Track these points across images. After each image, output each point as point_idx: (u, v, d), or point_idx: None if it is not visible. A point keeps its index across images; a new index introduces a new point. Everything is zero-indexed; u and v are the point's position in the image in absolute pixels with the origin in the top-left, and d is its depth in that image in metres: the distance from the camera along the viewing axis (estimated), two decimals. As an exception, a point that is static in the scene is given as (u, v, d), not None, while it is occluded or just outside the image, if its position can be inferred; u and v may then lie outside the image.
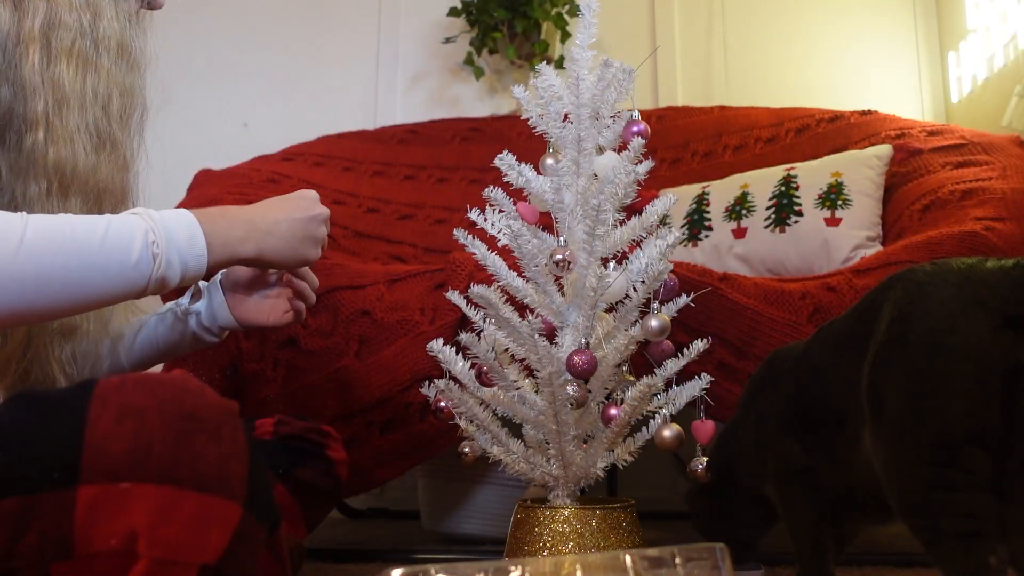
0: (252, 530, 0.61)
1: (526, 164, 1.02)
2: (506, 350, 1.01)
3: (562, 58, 2.29)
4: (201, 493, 0.57)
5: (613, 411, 0.97)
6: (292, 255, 0.93)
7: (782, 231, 1.64)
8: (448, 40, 2.35)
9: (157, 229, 0.79)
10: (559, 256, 0.92)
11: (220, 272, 1.07)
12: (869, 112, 1.92)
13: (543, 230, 1.01)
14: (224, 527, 0.58)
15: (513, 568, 0.58)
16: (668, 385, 0.99)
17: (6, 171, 0.81)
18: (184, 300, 1.08)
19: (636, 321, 0.98)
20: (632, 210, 1.01)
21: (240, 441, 0.61)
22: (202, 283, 1.08)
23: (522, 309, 1.00)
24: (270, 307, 1.07)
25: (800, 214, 1.64)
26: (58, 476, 0.56)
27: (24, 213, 0.74)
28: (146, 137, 0.99)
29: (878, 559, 1.34)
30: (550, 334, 1.00)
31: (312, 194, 0.96)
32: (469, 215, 0.99)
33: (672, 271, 1.00)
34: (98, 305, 0.80)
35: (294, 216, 0.93)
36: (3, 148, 0.82)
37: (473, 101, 2.44)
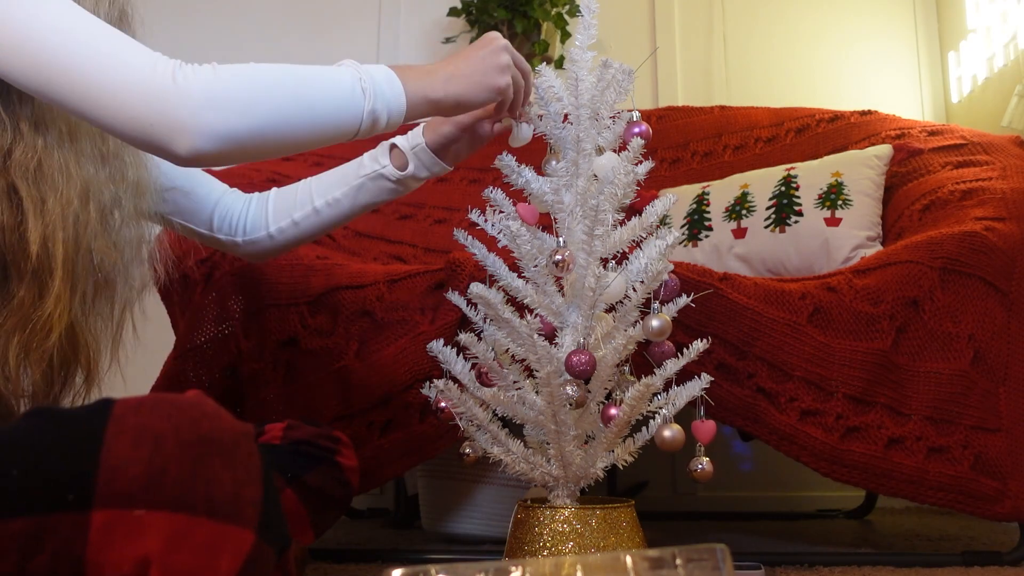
0: (263, 555, 0.60)
1: (526, 165, 1.02)
2: (506, 350, 1.01)
3: (562, 58, 2.29)
4: (214, 520, 0.57)
5: (613, 411, 0.97)
6: (479, 89, 0.96)
7: (782, 231, 1.64)
8: (448, 40, 2.35)
9: (360, 70, 0.89)
10: (558, 256, 0.93)
11: (418, 136, 1.11)
12: (869, 112, 1.92)
13: (543, 230, 1.01)
14: (236, 554, 0.58)
15: (513, 568, 0.58)
16: (668, 385, 0.99)
17: (27, 127, 0.82)
18: (386, 163, 1.12)
19: (636, 321, 0.98)
20: (632, 210, 1.01)
21: (255, 465, 0.61)
22: (404, 145, 1.12)
23: (522, 309, 1.00)
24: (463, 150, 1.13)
25: (800, 214, 1.64)
26: (73, 498, 0.55)
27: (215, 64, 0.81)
28: None
29: (878, 559, 1.34)
30: (550, 334, 1.00)
31: (492, 34, 1.00)
32: (469, 215, 0.99)
33: (672, 271, 1.00)
34: (325, 138, 0.87)
35: (470, 55, 0.97)
36: (20, 104, 0.82)
37: (473, 101, 2.44)
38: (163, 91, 0.77)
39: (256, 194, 1.21)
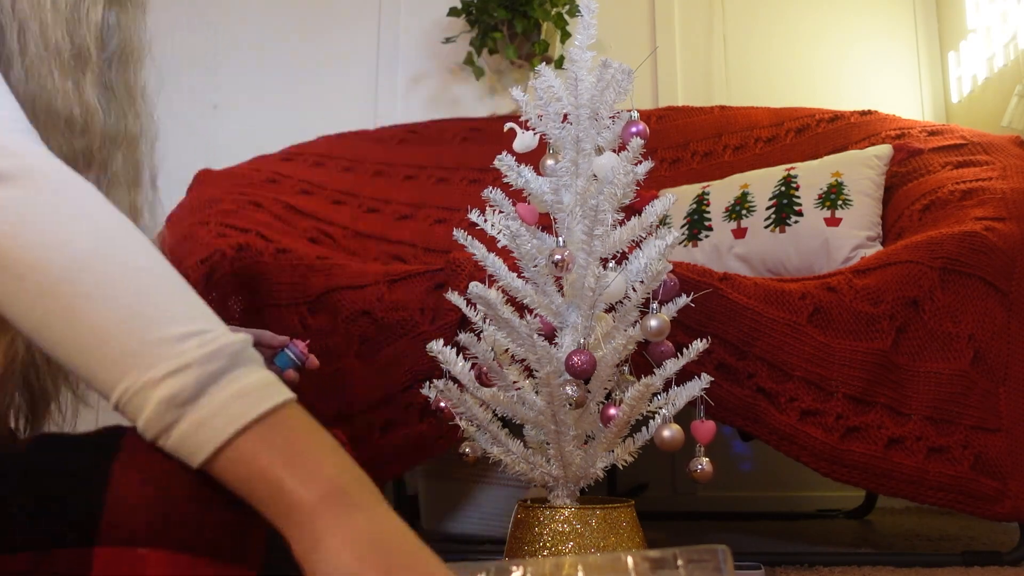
0: None
1: (525, 165, 1.02)
2: (506, 350, 1.01)
3: (562, 58, 2.29)
4: (218, 562, 0.56)
5: (612, 411, 0.97)
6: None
7: (782, 231, 1.64)
8: (448, 40, 2.35)
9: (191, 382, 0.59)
10: (558, 256, 0.92)
11: None
12: (869, 112, 1.92)
13: (542, 230, 1.01)
14: None
15: (514, 568, 0.58)
16: (668, 385, 0.99)
17: None
18: None
19: (636, 321, 0.98)
20: (632, 210, 1.01)
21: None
22: None
23: (521, 309, 1.00)
24: None
25: (800, 214, 1.64)
26: (76, 535, 0.55)
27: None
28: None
29: (878, 559, 1.34)
30: (549, 334, 1.00)
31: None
32: (469, 215, 0.99)
33: (672, 271, 1.00)
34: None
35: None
36: None
37: (473, 101, 2.44)
38: None
39: None
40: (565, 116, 1.02)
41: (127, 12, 0.86)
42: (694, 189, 1.84)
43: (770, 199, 1.69)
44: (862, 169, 1.66)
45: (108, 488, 0.56)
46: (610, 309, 1.01)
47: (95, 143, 0.77)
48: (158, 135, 0.95)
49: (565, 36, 2.34)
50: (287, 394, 0.59)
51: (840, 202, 1.62)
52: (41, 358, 0.79)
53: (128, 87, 0.87)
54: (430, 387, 1.02)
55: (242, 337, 0.59)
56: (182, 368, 0.54)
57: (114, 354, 0.55)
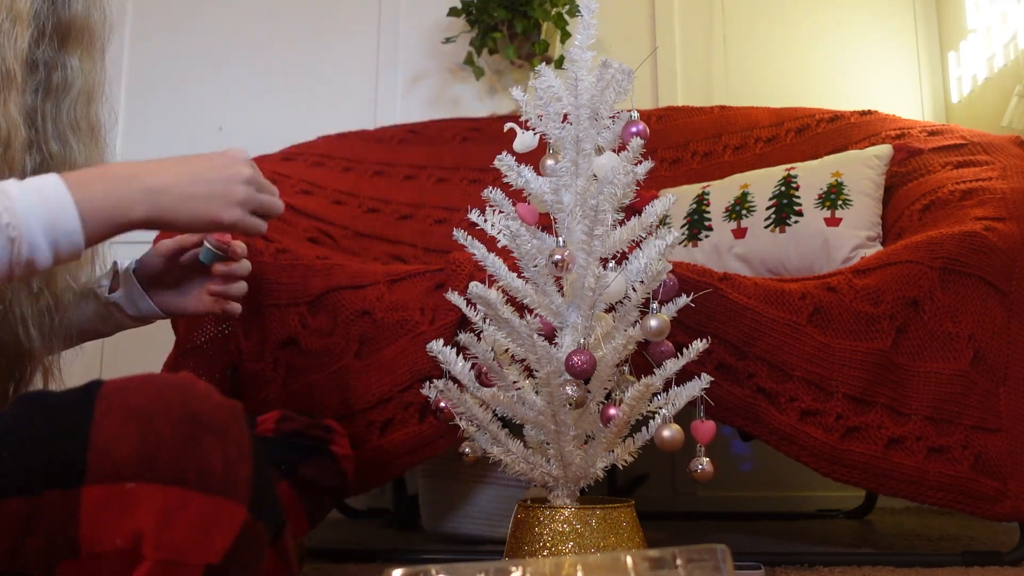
0: (256, 532, 0.61)
1: (525, 165, 1.02)
2: (506, 350, 1.01)
3: (562, 58, 2.29)
4: (206, 495, 0.57)
5: (612, 411, 0.97)
6: (195, 214, 0.80)
7: (782, 231, 1.64)
8: (448, 40, 2.35)
9: (15, 208, 0.69)
10: (558, 256, 0.92)
11: (134, 261, 1.05)
12: (869, 112, 1.92)
13: (542, 230, 1.01)
14: (228, 528, 0.58)
15: (514, 568, 0.58)
16: (668, 385, 0.99)
17: None
18: (105, 282, 1.05)
19: (636, 321, 0.98)
20: (632, 210, 1.01)
21: (245, 443, 0.61)
22: (121, 267, 1.05)
23: (521, 309, 1.00)
24: (196, 291, 1.05)
25: (800, 214, 1.64)
26: (63, 476, 0.56)
27: None
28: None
29: (878, 559, 1.34)
30: (549, 334, 1.00)
31: (237, 153, 0.85)
32: (469, 215, 0.99)
33: (672, 271, 1.00)
34: None
35: (198, 172, 0.80)
36: None
37: (473, 101, 2.44)
38: None
39: None
40: (565, 116, 1.02)
41: (89, 58, 0.94)
42: (694, 189, 1.84)
43: (770, 199, 1.69)
44: (862, 169, 1.66)
45: (91, 430, 0.57)
46: (610, 309, 1.01)
47: (15, 154, 0.81)
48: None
49: (565, 36, 2.34)
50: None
51: (840, 202, 1.62)
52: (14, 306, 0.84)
53: (91, 125, 0.94)
54: (430, 387, 1.02)
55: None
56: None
57: None
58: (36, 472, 0.56)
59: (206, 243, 1.01)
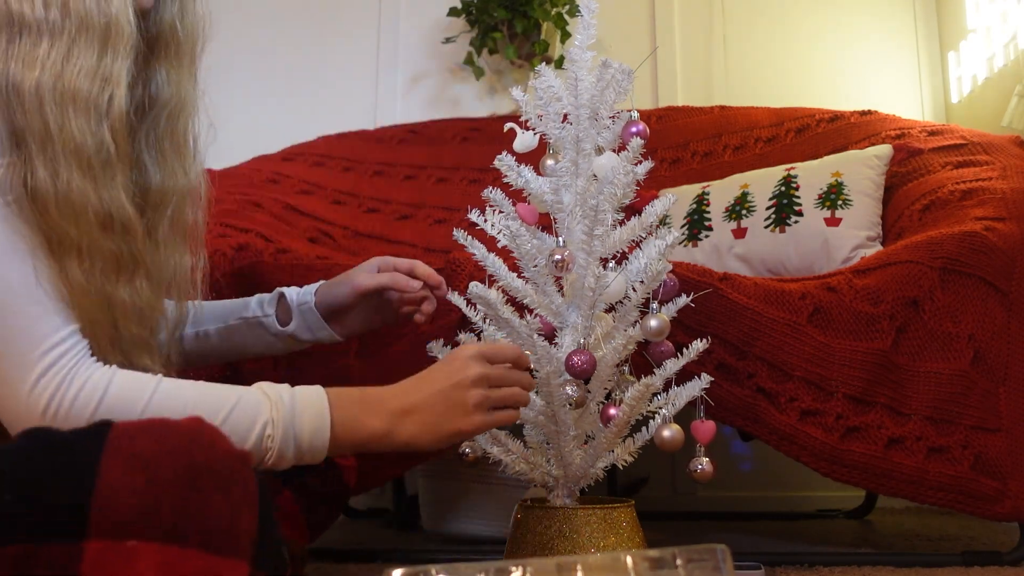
0: None
1: (525, 165, 1.02)
2: (506, 350, 1.01)
3: (562, 58, 2.29)
4: (207, 552, 0.57)
5: (612, 411, 0.97)
6: (433, 433, 0.81)
7: (782, 231, 1.64)
8: (448, 40, 2.35)
9: (278, 419, 0.75)
10: (558, 256, 0.93)
11: (307, 293, 1.04)
12: (869, 112, 1.92)
13: (542, 230, 1.01)
14: None
15: (514, 568, 0.58)
16: (668, 385, 0.99)
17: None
18: (269, 312, 1.04)
19: (636, 321, 0.98)
20: (632, 210, 1.01)
21: (251, 493, 0.60)
22: (292, 298, 1.03)
23: (521, 309, 1.00)
24: (376, 312, 1.05)
25: (800, 214, 1.64)
26: (67, 527, 0.55)
27: (159, 377, 0.73)
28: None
29: (878, 559, 1.34)
30: (549, 334, 1.00)
31: (465, 352, 0.84)
32: (469, 216, 0.99)
33: (672, 271, 1.00)
34: None
35: (434, 389, 0.82)
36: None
37: (473, 101, 2.44)
38: (30, 421, 0.69)
39: None
40: (565, 116, 1.02)
41: (176, 68, 0.88)
42: (694, 189, 1.84)
43: (770, 199, 1.69)
44: (862, 169, 1.66)
45: (97, 479, 0.56)
46: (610, 309, 1.01)
47: (137, 243, 0.78)
48: (205, 189, 0.95)
49: (565, 36, 2.34)
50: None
51: (840, 202, 1.62)
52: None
53: (176, 143, 0.88)
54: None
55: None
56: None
57: None
58: (39, 518, 0.55)
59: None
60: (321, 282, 1.04)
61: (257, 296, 1.05)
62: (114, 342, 0.77)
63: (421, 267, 1.02)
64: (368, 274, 1.02)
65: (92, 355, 0.73)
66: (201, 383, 0.76)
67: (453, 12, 2.33)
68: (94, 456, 0.57)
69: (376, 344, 1.34)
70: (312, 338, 1.05)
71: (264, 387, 0.77)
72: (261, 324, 1.04)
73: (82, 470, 0.56)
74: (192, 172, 0.90)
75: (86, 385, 0.70)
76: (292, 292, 1.04)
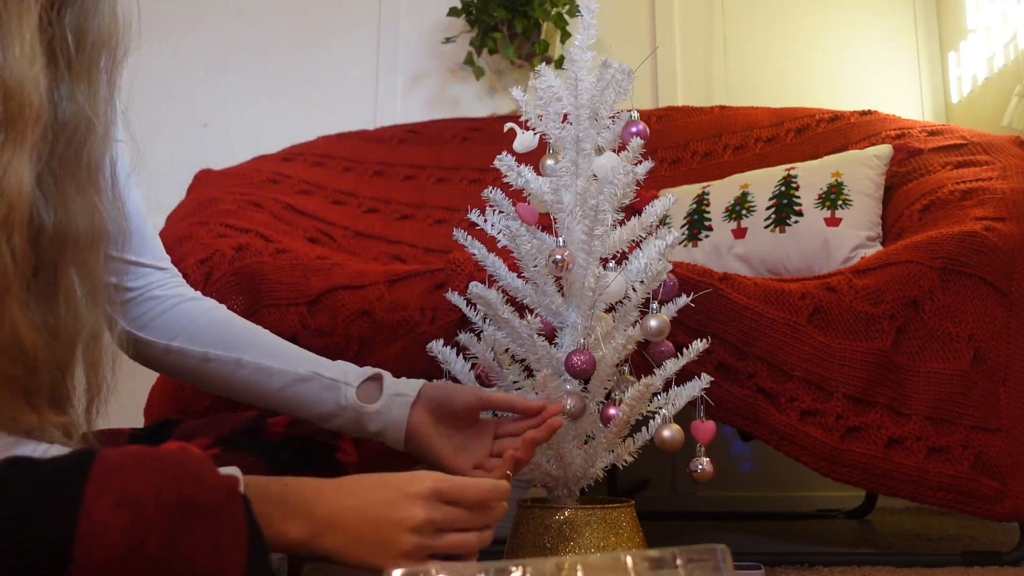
0: None
1: (525, 165, 1.02)
2: (506, 350, 1.01)
3: (562, 58, 2.29)
4: None
5: (612, 411, 0.97)
6: (356, 562, 0.71)
7: (782, 231, 1.64)
8: (448, 40, 2.35)
9: None
10: (558, 256, 0.93)
11: (412, 388, 0.93)
12: (869, 112, 1.92)
13: (542, 230, 1.01)
14: None
15: (514, 568, 0.58)
16: (668, 385, 0.99)
17: None
18: (353, 382, 0.93)
19: (636, 321, 0.98)
20: (632, 210, 1.01)
21: (239, 526, 0.59)
22: (390, 387, 0.92)
23: (521, 309, 1.00)
24: (475, 450, 0.93)
25: (800, 214, 1.64)
26: (49, 565, 0.53)
27: None
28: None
29: (878, 559, 1.34)
30: (549, 334, 1.00)
31: (416, 488, 0.72)
32: (469, 216, 0.99)
33: (672, 271, 1.00)
34: None
35: (368, 513, 0.71)
36: None
37: (473, 101, 2.44)
38: None
39: (188, 297, 0.98)
40: (565, 116, 1.02)
41: (83, 82, 0.72)
42: (694, 189, 1.84)
43: (770, 199, 1.69)
44: (862, 169, 1.66)
45: (80, 516, 0.54)
46: (610, 309, 1.01)
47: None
48: (130, 231, 0.84)
49: (565, 36, 2.34)
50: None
51: (840, 202, 1.62)
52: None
53: (79, 169, 0.72)
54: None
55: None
56: None
57: None
58: (19, 556, 0.53)
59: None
60: (428, 384, 0.94)
61: (336, 364, 0.95)
62: None
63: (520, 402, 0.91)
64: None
65: None
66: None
67: (453, 12, 2.33)
68: (77, 491, 0.55)
69: (375, 344, 1.34)
70: (379, 427, 0.93)
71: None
72: (336, 386, 0.93)
73: (65, 506, 0.55)
74: (107, 210, 0.74)
75: None
76: (391, 381, 0.93)
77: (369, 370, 0.95)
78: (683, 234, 1.75)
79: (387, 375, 0.95)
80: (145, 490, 0.56)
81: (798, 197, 1.66)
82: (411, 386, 0.93)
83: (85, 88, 0.71)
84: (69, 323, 0.70)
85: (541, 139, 1.03)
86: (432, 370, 1.25)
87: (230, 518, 0.58)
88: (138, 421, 1.26)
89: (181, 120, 2.44)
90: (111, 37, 0.73)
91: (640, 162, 0.99)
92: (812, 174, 1.70)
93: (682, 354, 1.00)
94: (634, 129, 1.00)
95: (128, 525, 0.54)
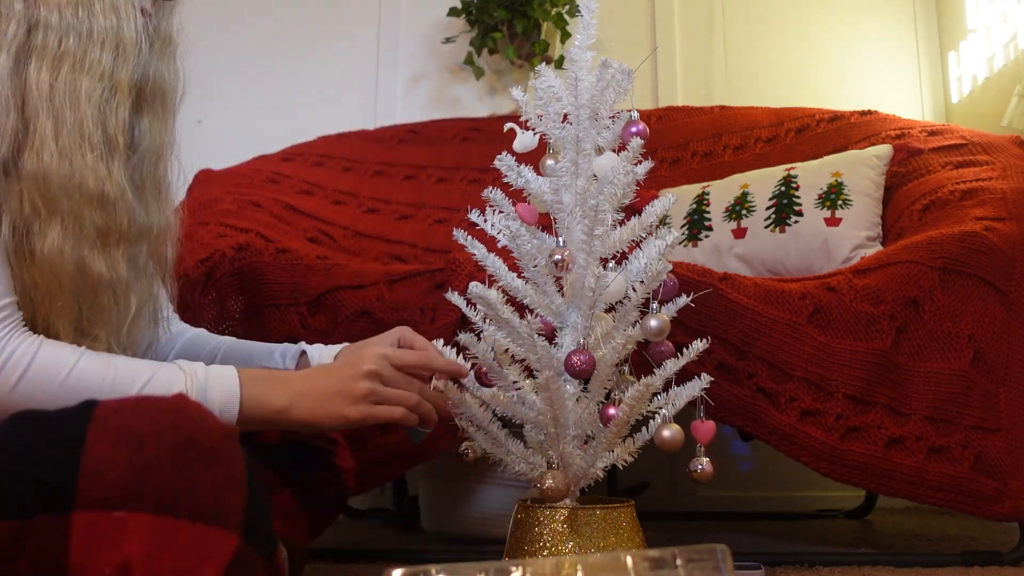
0: (248, 559, 0.60)
1: (525, 165, 1.02)
2: (506, 350, 1.01)
3: (562, 58, 2.29)
4: (196, 523, 0.57)
5: (612, 411, 0.97)
6: (323, 413, 0.87)
7: (782, 231, 1.64)
8: (448, 40, 2.35)
9: (191, 390, 0.81)
10: (558, 256, 0.92)
11: (331, 357, 1.02)
12: (869, 112, 1.92)
13: (542, 230, 1.01)
14: (219, 557, 0.58)
15: (513, 568, 0.58)
16: (668, 385, 0.99)
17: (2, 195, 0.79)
18: (291, 367, 1.03)
19: (636, 321, 0.98)
20: (632, 210, 1.01)
21: (238, 468, 0.61)
22: (313, 356, 1.02)
23: (521, 309, 1.00)
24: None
25: (800, 214, 1.64)
26: (54, 501, 0.55)
27: (83, 349, 0.78)
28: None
29: (878, 559, 1.34)
30: (549, 334, 1.00)
31: (370, 350, 0.92)
32: (469, 216, 0.99)
33: (672, 271, 1.00)
34: None
35: (332, 376, 0.90)
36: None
37: (473, 101, 2.44)
38: None
39: (176, 329, 1.11)
40: (565, 116, 1.02)
41: (157, 119, 0.95)
42: (694, 189, 1.84)
43: (770, 199, 1.69)
44: (862, 169, 1.66)
45: (83, 454, 0.56)
46: (610, 309, 1.01)
47: (123, 221, 0.85)
48: (179, 229, 1.02)
49: (565, 36, 2.34)
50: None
51: (840, 202, 1.62)
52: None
53: (157, 183, 0.96)
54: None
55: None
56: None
57: None
58: (27, 495, 0.56)
59: (407, 430, 0.99)
60: (345, 345, 1.03)
61: (281, 346, 1.05)
62: (66, 312, 0.81)
63: (438, 358, 0.99)
64: (391, 347, 0.99)
65: (26, 326, 0.78)
66: (121, 357, 0.81)
67: (453, 12, 2.33)
68: (80, 432, 0.58)
69: (376, 344, 1.34)
70: None
71: (181, 363, 0.83)
72: None
73: (68, 446, 0.57)
74: (168, 211, 0.98)
75: (13, 355, 0.75)
76: (314, 351, 1.03)
77: (300, 348, 1.04)
78: (683, 234, 1.75)
79: (311, 348, 1.03)
80: (146, 429, 0.58)
81: (798, 197, 1.66)
82: (329, 354, 1.02)
83: (159, 125, 0.95)
84: (143, 289, 0.93)
85: (541, 139, 1.03)
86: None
87: (230, 459, 0.61)
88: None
89: (181, 120, 2.44)
90: (178, 86, 0.97)
91: (640, 162, 0.99)
92: (812, 174, 1.70)
93: (682, 354, 1.00)
94: (634, 129, 1.00)
95: (128, 462, 0.56)
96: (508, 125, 1.05)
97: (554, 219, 1.00)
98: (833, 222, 1.60)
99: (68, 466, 0.56)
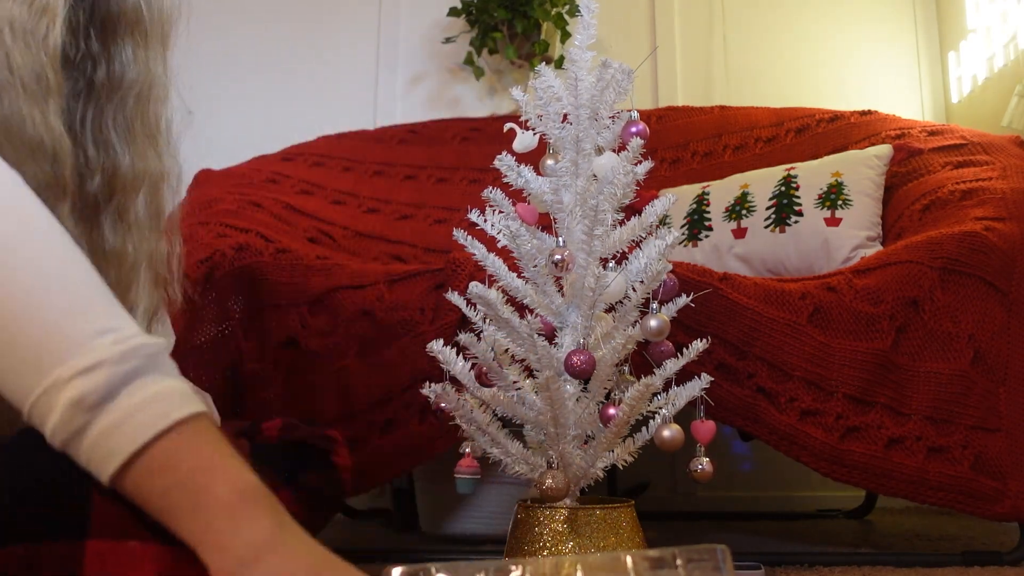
0: None
1: (525, 165, 1.02)
2: (506, 350, 1.01)
3: (562, 58, 2.29)
4: None
5: (612, 411, 0.97)
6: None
7: (782, 231, 1.64)
8: (448, 40, 2.35)
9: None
10: (558, 256, 0.92)
11: None
12: (869, 112, 1.92)
13: (542, 230, 1.01)
14: None
15: (513, 568, 0.58)
16: (668, 385, 0.99)
17: None
18: None
19: (636, 321, 0.98)
20: (632, 210, 1.01)
21: None
22: None
23: (521, 309, 1.00)
24: None
25: (800, 214, 1.64)
26: (67, 527, 0.54)
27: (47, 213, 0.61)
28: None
29: (878, 559, 1.34)
30: (549, 334, 1.00)
31: None
32: (469, 216, 0.99)
33: (672, 271, 1.00)
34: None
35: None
36: None
37: (473, 101, 2.44)
38: None
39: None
40: (565, 116, 1.02)
41: (143, 47, 0.83)
42: (694, 189, 1.84)
43: (770, 199, 1.69)
44: (862, 169, 1.66)
45: (96, 480, 0.55)
46: (610, 309, 1.01)
47: (65, 172, 0.72)
48: (182, 174, 0.92)
49: (565, 36, 2.34)
50: (200, 406, 0.56)
51: (840, 202, 1.62)
52: None
53: (147, 125, 0.84)
54: (430, 388, 1.02)
55: (158, 340, 0.56)
56: (93, 367, 0.51)
57: (22, 352, 0.51)
58: (39, 519, 0.55)
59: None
60: None
61: None
62: None
63: None
64: None
65: None
66: (95, 279, 0.58)
67: (453, 12, 2.33)
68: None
69: (376, 344, 1.34)
70: None
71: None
72: None
73: (82, 472, 0.55)
74: (165, 157, 0.86)
75: None
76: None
77: None
78: (683, 234, 1.75)
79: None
80: None
81: (798, 197, 1.66)
82: None
83: (145, 54, 0.83)
84: (137, 246, 0.82)
85: (541, 139, 1.03)
86: (432, 370, 1.25)
87: None
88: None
89: (177, 119, 2.44)
90: (167, 14, 0.84)
91: (640, 162, 0.99)
92: (812, 174, 1.70)
93: (682, 354, 1.00)
94: (634, 129, 1.00)
95: None
96: (508, 125, 1.05)
97: (554, 219, 1.00)
98: (833, 222, 1.60)
99: (82, 491, 0.55)
